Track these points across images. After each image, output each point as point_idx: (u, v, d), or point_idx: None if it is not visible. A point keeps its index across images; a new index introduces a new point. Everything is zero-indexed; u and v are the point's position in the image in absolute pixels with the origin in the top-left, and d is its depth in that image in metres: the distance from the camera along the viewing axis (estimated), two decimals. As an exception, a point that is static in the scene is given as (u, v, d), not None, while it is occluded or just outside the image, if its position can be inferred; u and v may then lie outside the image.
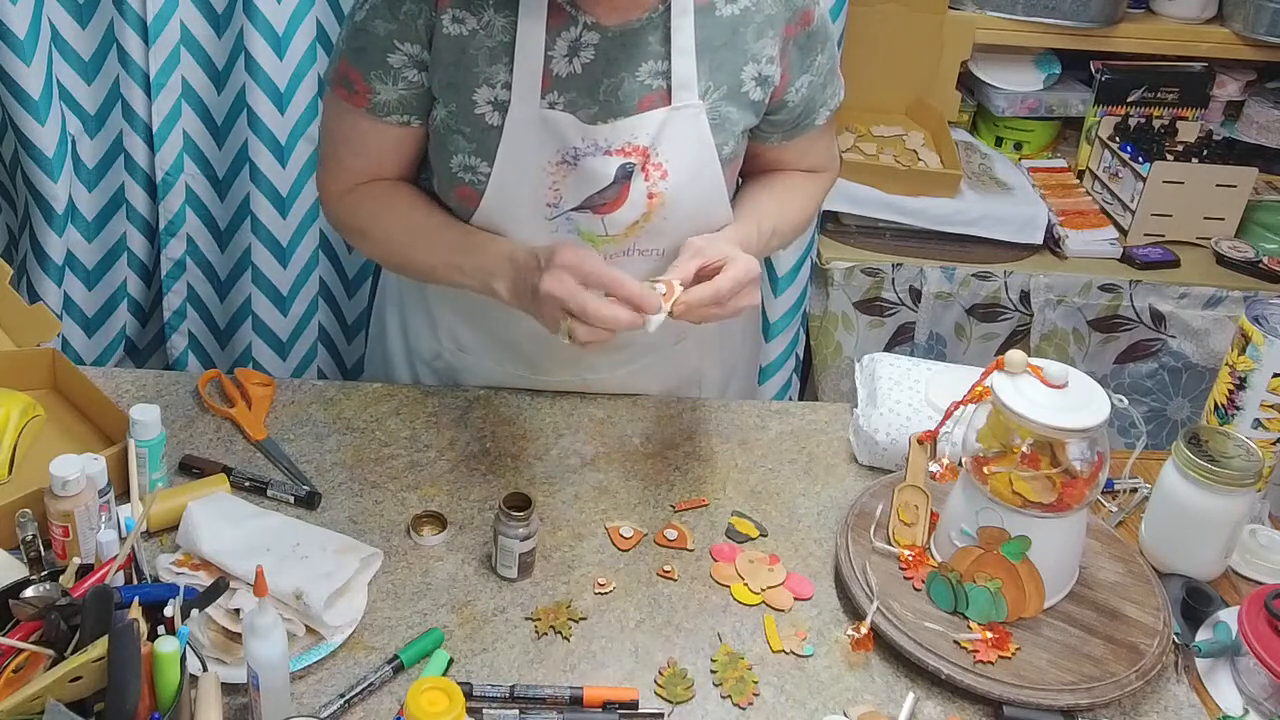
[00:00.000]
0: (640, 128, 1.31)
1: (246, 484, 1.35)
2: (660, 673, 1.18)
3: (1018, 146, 2.55)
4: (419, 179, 1.45)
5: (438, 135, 1.35)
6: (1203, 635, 1.28)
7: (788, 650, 1.22)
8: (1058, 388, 1.20)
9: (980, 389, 1.26)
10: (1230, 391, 1.42)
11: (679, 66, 1.30)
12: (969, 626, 1.22)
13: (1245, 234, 2.34)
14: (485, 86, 1.30)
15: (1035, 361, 1.22)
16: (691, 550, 1.34)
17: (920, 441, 1.38)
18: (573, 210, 1.33)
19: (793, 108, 1.40)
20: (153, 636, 0.98)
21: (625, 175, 1.31)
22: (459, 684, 1.01)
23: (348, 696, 1.11)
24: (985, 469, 1.22)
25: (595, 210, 1.32)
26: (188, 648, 0.97)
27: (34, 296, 2.00)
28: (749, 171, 1.48)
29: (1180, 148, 2.34)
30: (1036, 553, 1.21)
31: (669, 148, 1.32)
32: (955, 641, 1.20)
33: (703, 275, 1.25)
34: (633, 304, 1.20)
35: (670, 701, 1.16)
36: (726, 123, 1.35)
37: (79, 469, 1.17)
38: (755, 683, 1.18)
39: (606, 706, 1.13)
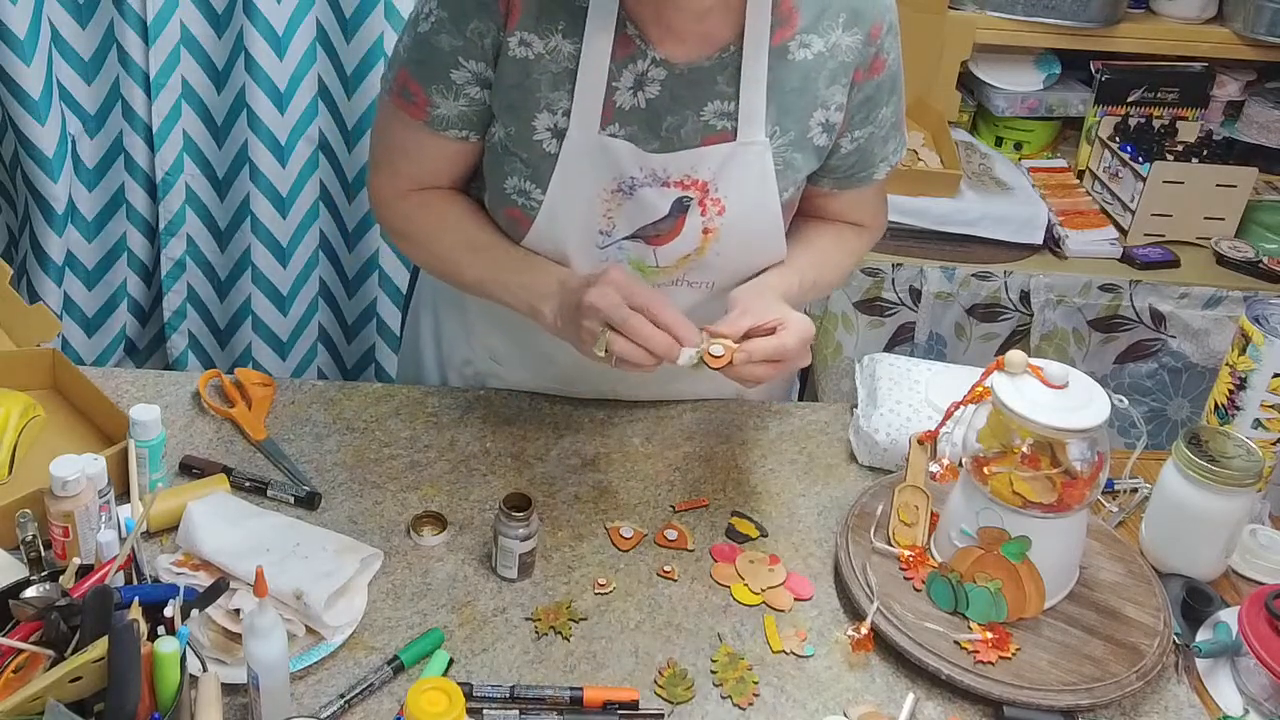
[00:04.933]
0: (702, 161, 1.28)
1: (246, 484, 1.35)
2: (660, 673, 1.18)
3: (1018, 146, 2.55)
4: (470, 187, 1.42)
5: (494, 154, 1.33)
6: (1203, 635, 1.28)
7: (788, 650, 1.22)
8: (1058, 388, 1.20)
9: (980, 389, 1.26)
10: (1230, 391, 1.42)
11: (748, 100, 1.26)
12: (969, 627, 1.22)
13: (1245, 234, 2.34)
14: (545, 112, 1.27)
15: (1035, 361, 1.22)
16: (691, 550, 1.34)
17: (920, 441, 1.37)
18: (625, 239, 1.31)
19: (845, 155, 1.37)
20: (153, 636, 0.98)
21: (681, 209, 1.29)
22: (459, 684, 1.01)
23: (348, 697, 1.11)
24: (985, 469, 1.22)
25: (648, 241, 1.31)
26: (188, 648, 0.97)
27: (34, 296, 2.00)
28: (797, 213, 1.44)
29: (1180, 148, 2.34)
30: (1036, 553, 1.21)
31: (729, 184, 1.29)
32: (955, 642, 1.20)
33: (754, 335, 1.22)
34: (670, 331, 1.19)
35: (670, 702, 1.16)
36: (790, 169, 1.32)
37: (79, 469, 1.16)
38: (755, 683, 1.18)
39: (606, 707, 1.13)
